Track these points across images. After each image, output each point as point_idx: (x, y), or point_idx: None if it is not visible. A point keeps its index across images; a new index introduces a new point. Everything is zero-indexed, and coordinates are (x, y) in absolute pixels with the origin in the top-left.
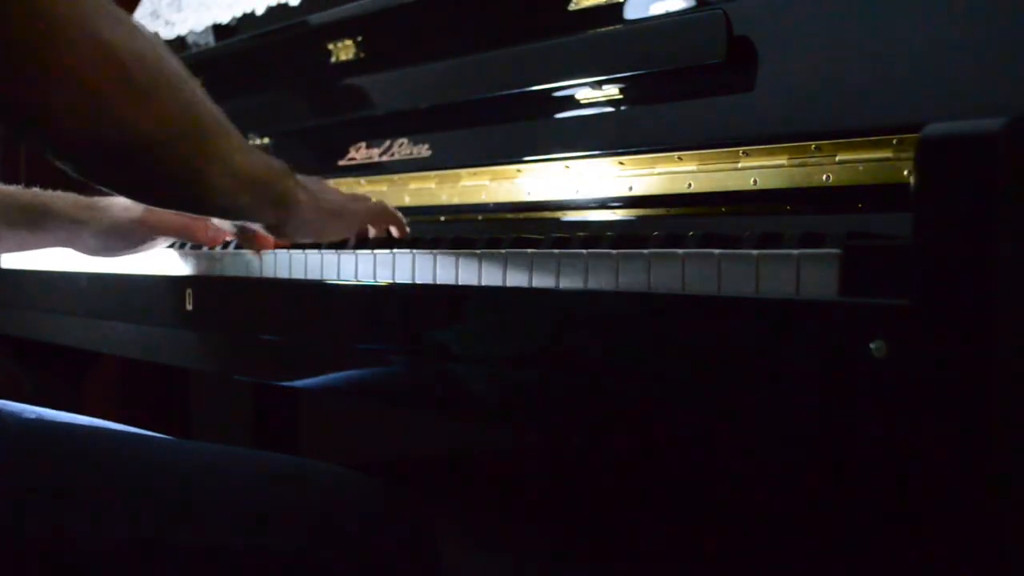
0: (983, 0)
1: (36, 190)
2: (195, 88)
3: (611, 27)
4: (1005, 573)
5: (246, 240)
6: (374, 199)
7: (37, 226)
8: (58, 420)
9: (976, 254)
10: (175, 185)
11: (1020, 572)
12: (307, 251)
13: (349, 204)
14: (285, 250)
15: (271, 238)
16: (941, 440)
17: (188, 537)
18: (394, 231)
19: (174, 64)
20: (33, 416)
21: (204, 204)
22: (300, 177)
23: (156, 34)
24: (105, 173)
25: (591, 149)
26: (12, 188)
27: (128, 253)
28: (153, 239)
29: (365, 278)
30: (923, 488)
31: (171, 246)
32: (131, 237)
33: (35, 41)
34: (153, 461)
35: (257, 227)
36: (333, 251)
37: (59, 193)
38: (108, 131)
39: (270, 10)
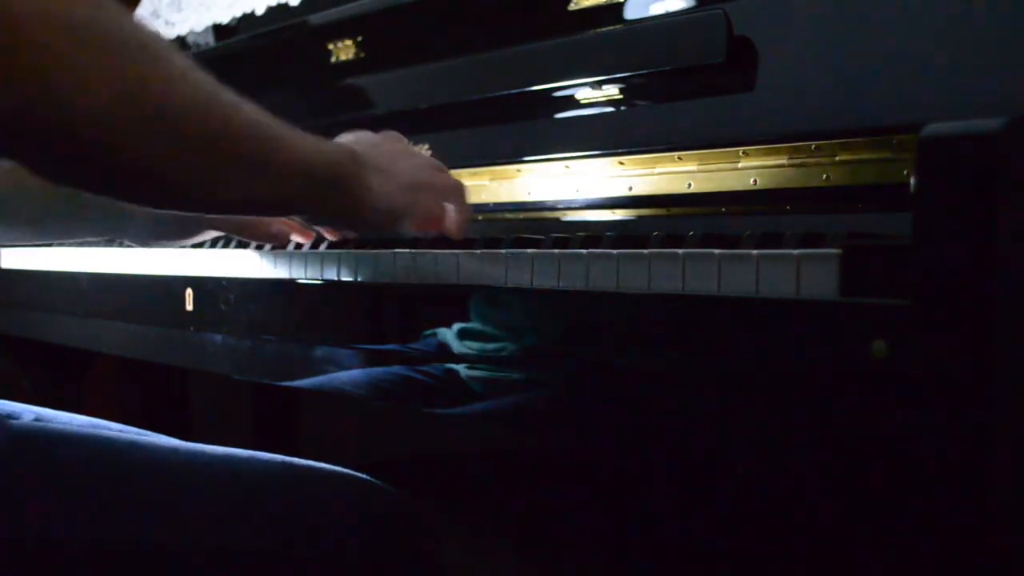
0: (983, 0)
1: None
2: (184, 67)
3: (611, 27)
4: (1005, 573)
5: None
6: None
7: (80, 212)
8: (57, 419)
9: (976, 254)
10: (171, 185)
11: (1020, 572)
12: (307, 251)
13: (429, 176)
14: (281, 248)
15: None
16: (941, 440)
17: (188, 539)
18: (451, 222)
19: (146, 36)
20: (32, 416)
21: (226, 205)
22: (363, 141)
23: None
24: (67, 170)
25: (591, 149)
26: None
27: (181, 242)
28: (207, 229)
29: (365, 278)
30: (923, 488)
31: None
32: (184, 228)
33: None
34: (153, 462)
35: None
36: (333, 251)
37: None
38: (42, 108)
39: (270, 10)
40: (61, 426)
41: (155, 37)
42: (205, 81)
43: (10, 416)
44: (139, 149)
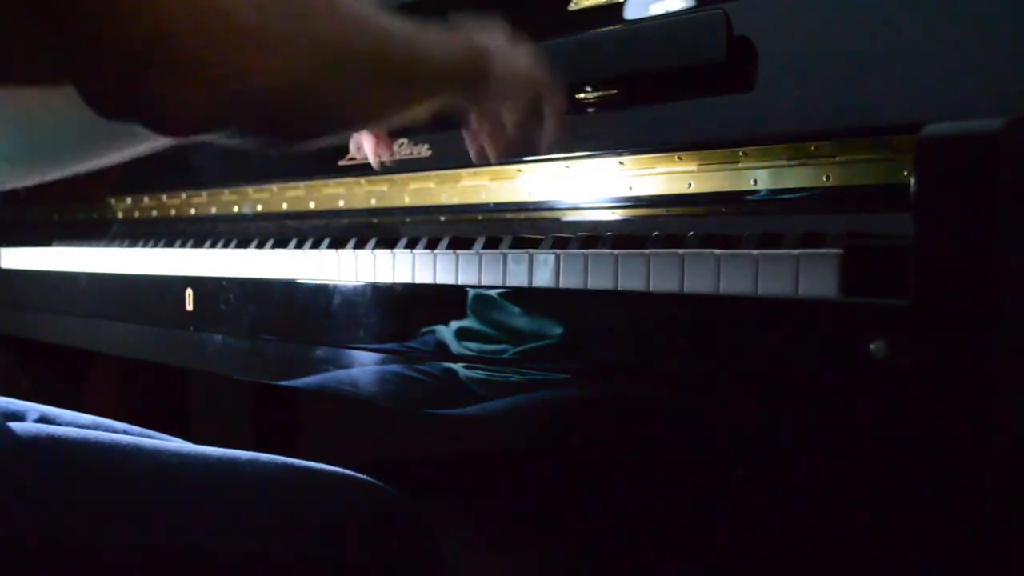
0: (983, 0)
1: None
2: (347, 14)
3: (611, 27)
4: (1004, 572)
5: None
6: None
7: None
8: (62, 418)
9: (976, 254)
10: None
11: (1020, 571)
12: (307, 251)
13: (530, 71)
14: (285, 249)
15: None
16: (941, 440)
17: (189, 542)
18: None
19: None
20: (37, 415)
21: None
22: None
23: None
24: (249, 130)
25: (591, 149)
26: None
27: None
28: None
29: (365, 278)
30: (923, 488)
31: (171, 246)
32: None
33: None
34: (155, 465)
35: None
36: (333, 251)
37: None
38: (214, 82)
39: None
40: (65, 427)
41: None
42: (358, 10)
43: (15, 416)
44: (318, 96)
